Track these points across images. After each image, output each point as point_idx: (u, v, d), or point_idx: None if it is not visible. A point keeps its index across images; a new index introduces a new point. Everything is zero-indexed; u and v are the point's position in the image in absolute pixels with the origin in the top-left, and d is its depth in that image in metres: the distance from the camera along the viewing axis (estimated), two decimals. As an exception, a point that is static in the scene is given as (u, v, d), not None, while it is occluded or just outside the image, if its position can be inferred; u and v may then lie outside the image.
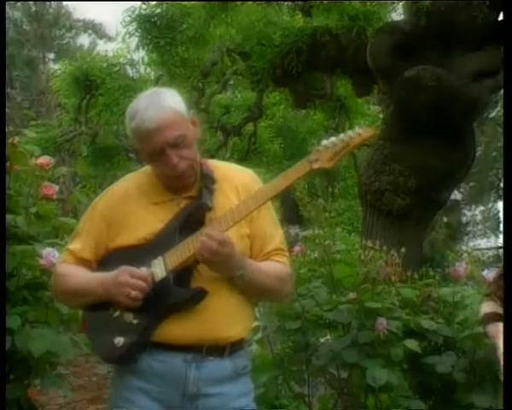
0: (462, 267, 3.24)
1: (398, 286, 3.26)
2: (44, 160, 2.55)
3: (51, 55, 26.76)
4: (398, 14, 9.00)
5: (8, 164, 2.49)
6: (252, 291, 1.97)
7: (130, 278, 1.85)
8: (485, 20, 6.74)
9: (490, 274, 2.90)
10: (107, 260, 1.97)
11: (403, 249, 3.36)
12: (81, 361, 5.79)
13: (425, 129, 6.73)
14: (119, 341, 1.87)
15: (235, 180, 2.04)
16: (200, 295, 1.87)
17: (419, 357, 3.07)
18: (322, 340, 3.36)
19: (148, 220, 1.94)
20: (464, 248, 18.15)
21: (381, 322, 2.95)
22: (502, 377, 2.29)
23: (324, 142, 1.92)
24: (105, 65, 10.72)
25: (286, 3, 9.55)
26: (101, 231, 1.99)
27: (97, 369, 6.08)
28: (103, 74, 10.39)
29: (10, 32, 22.89)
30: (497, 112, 17.42)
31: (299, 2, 9.09)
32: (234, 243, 1.87)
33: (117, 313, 1.90)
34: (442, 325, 3.17)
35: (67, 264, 2.02)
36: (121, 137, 12.19)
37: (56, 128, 11.41)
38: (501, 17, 6.86)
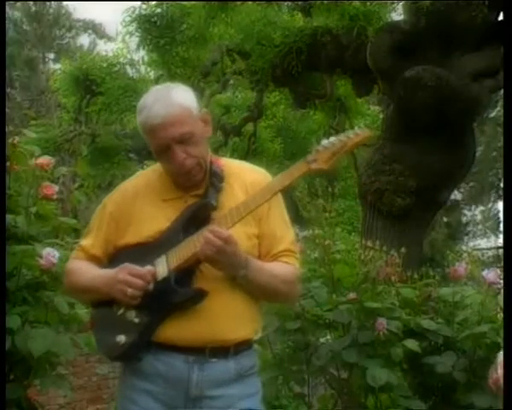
0: (462, 267, 3.23)
1: (398, 286, 3.25)
2: (44, 160, 2.54)
3: (51, 55, 26.78)
4: (398, 14, 9.01)
5: (8, 164, 2.49)
6: (256, 292, 1.94)
7: (129, 276, 1.84)
8: (485, 20, 6.75)
9: (490, 274, 2.90)
10: (115, 257, 1.96)
11: (403, 249, 3.36)
12: (81, 361, 5.79)
13: (425, 129, 6.74)
14: (121, 339, 1.87)
15: (244, 179, 2.00)
16: (201, 295, 1.84)
17: (419, 357, 3.07)
18: (322, 340, 3.36)
19: (156, 218, 1.92)
20: (464, 248, 18.16)
21: (381, 322, 2.95)
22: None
23: (324, 142, 1.89)
24: (105, 65, 10.74)
25: (286, 3, 9.56)
26: (110, 229, 1.97)
27: (97, 369, 6.08)
28: (103, 74, 10.41)
29: (10, 32, 22.90)
30: (497, 112, 17.43)
31: (299, 3, 9.10)
32: (237, 241, 1.84)
33: (120, 311, 1.89)
34: (442, 325, 3.16)
35: (79, 260, 2.01)
36: (121, 137, 12.20)
37: (56, 128, 11.43)
38: (501, 17, 6.87)
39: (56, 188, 2.54)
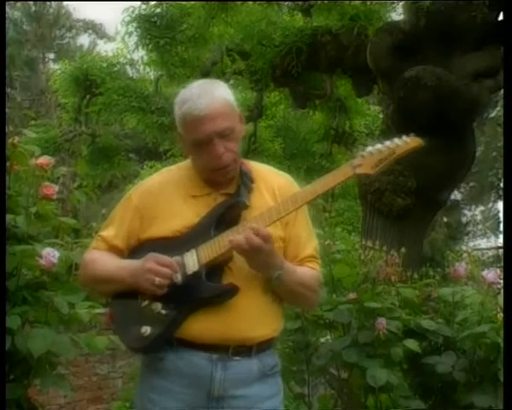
0: (462, 267, 3.23)
1: (398, 286, 3.26)
2: (44, 160, 2.54)
3: (51, 55, 26.79)
4: (398, 14, 9.02)
5: (8, 164, 2.49)
6: (285, 295, 1.94)
7: (156, 265, 1.83)
8: (485, 20, 6.74)
9: (490, 274, 2.90)
10: (138, 251, 1.95)
11: (403, 249, 3.36)
12: (81, 361, 5.79)
13: (425, 129, 6.72)
14: (146, 330, 1.85)
15: (272, 182, 2.01)
16: (232, 291, 1.84)
17: (419, 357, 3.07)
18: (322, 340, 3.36)
19: (184, 213, 1.93)
20: (464, 248, 18.15)
21: (381, 322, 2.95)
22: (502, 377, 2.29)
23: (369, 148, 1.89)
24: (105, 65, 10.74)
25: (286, 3, 9.57)
26: (134, 222, 1.97)
27: (97, 369, 6.08)
28: (103, 74, 10.40)
29: (10, 32, 22.89)
30: (497, 112, 17.45)
31: (299, 2, 9.10)
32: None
33: (145, 303, 1.88)
34: (442, 325, 3.17)
35: (99, 250, 2.00)
36: (121, 137, 12.20)
37: (56, 128, 11.43)
38: (501, 17, 6.87)
39: (56, 188, 2.54)
